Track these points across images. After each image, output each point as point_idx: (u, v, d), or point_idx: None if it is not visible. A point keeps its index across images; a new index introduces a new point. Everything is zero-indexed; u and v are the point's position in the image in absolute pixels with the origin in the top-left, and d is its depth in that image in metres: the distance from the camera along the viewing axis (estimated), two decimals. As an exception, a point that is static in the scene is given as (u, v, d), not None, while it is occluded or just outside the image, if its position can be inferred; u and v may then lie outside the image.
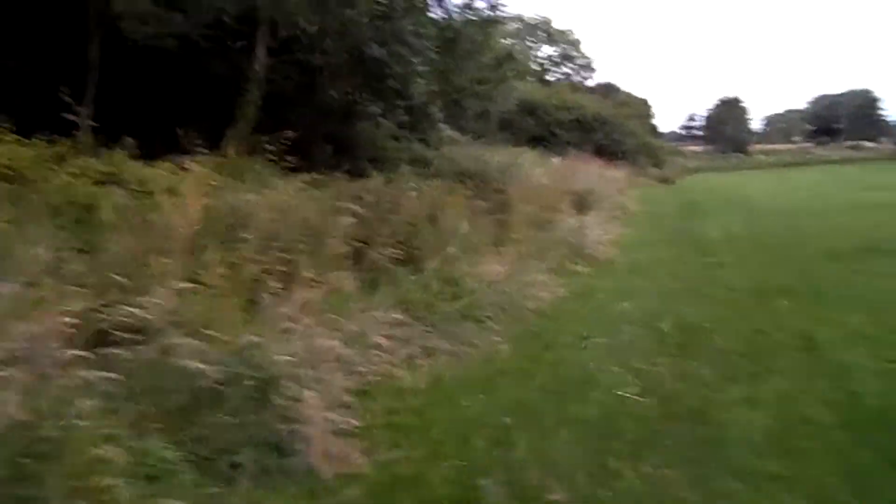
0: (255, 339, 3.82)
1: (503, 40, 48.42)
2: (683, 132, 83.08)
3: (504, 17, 14.64)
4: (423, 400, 4.41)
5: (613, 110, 32.07)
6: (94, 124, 8.41)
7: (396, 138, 16.95)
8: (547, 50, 53.70)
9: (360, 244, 7.57)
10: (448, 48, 11.90)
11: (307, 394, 3.57)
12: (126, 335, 3.69)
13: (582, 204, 14.94)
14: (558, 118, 28.26)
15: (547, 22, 53.19)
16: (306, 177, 10.29)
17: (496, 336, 5.83)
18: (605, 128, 29.05)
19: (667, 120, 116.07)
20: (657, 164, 36.32)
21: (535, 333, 6.14)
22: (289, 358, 3.72)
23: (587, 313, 7.03)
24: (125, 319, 3.86)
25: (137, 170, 7.78)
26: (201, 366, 3.50)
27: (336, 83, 10.53)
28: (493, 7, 13.94)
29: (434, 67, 11.75)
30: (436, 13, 12.35)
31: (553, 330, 6.31)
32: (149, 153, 9.12)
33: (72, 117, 7.88)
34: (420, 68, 10.16)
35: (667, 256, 11.15)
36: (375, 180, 10.05)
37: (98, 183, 7.33)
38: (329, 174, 10.81)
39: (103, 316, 3.72)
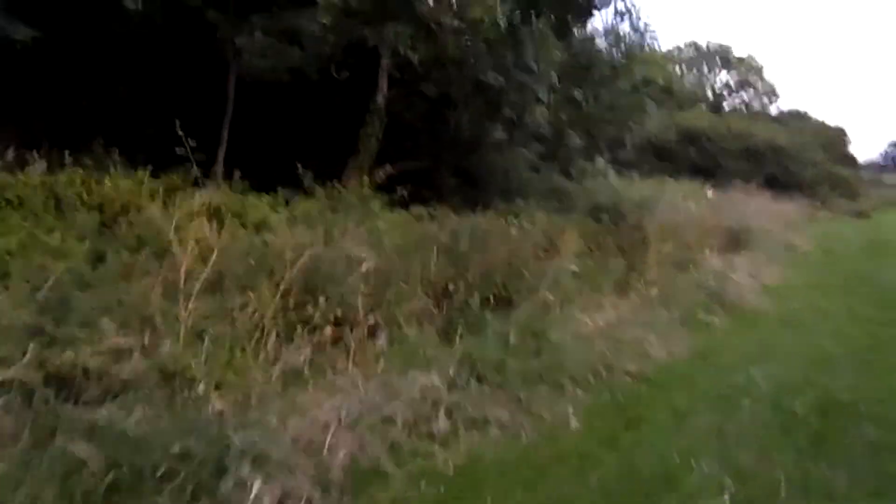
0: (220, 406, 3.20)
1: (675, 68, 46.17)
2: (886, 161, 73.70)
3: (652, 42, 13.33)
4: (441, 491, 3.55)
5: (791, 138, 28.77)
6: (200, 156, 8.38)
7: (536, 169, 16.18)
8: (725, 77, 50.44)
9: (448, 285, 6.89)
10: (580, 75, 10.95)
11: (259, 486, 2.88)
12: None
13: (735, 242, 13.15)
14: (725, 147, 25.83)
15: (725, 48, 49.98)
16: (421, 210, 9.86)
17: (572, 406, 4.79)
18: (778, 157, 26.09)
19: (866, 149, 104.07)
20: (850, 196, 32.09)
21: (622, 405, 4.99)
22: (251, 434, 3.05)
23: (701, 380, 5.73)
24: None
25: (238, 203, 7.64)
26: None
27: (459, 113, 9.94)
28: (640, 33, 12.84)
29: (564, 95, 10.85)
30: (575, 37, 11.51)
31: (648, 401, 5.13)
32: (266, 185, 9.09)
33: (183, 151, 7.91)
34: (543, 96, 9.30)
35: (833, 308, 9.28)
36: (484, 214, 9.33)
37: (194, 215, 7.28)
38: (452, 207, 10.27)
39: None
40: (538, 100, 9.29)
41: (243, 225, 7.14)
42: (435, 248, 7.10)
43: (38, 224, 5.85)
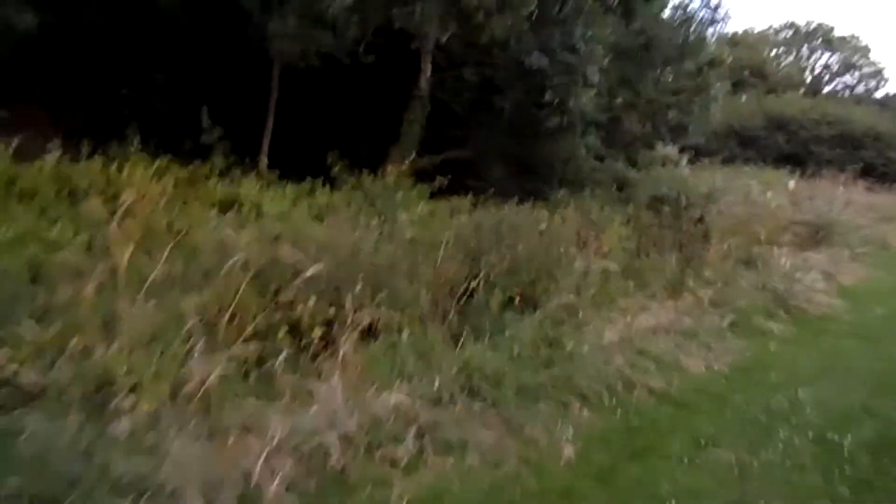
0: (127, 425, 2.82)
1: (770, 50, 43.19)
2: None
3: (725, 19, 12.19)
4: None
5: (894, 124, 26.18)
6: (225, 144, 8.15)
7: (601, 157, 15.26)
8: (826, 59, 46.83)
9: (469, 282, 6.34)
10: (640, 56, 10.06)
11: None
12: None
13: (815, 237, 11.88)
14: (817, 134, 23.77)
15: (827, 28, 46.33)
16: (461, 200, 9.33)
17: (572, 428, 4.16)
18: (878, 145, 23.77)
19: None
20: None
21: (634, 430, 4.30)
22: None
23: (737, 401, 4.93)
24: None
25: (258, 195, 7.34)
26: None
27: (503, 98, 9.32)
28: (711, 10, 11.74)
29: (621, 77, 10.01)
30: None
31: (665, 426, 4.42)
32: (309, 172, 8.79)
33: (207, 140, 7.71)
34: (592, 78, 8.53)
35: (922, 319, 8.12)
36: (532, 205, 8.72)
37: (217, 205, 7.06)
38: (500, 197, 9.70)
39: None
40: (586, 83, 8.53)
41: (259, 216, 6.85)
42: (457, 242, 6.58)
43: (42, 215, 5.73)
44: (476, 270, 6.42)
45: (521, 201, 9.79)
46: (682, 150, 17.90)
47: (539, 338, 5.32)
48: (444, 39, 9.01)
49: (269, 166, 9.75)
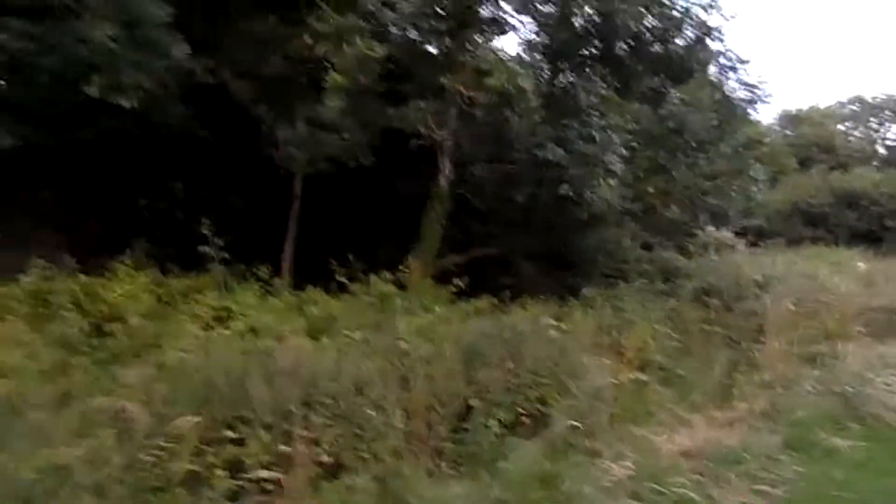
0: None
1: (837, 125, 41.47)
2: None
3: (765, 98, 11.39)
4: None
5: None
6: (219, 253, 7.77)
7: (648, 246, 14.32)
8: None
9: (468, 401, 5.54)
10: (669, 141, 9.36)
11: None
12: None
13: (891, 325, 10.43)
14: (893, 209, 22.02)
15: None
16: (482, 302, 8.62)
17: None
18: (966, 219, 21.78)
19: None
20: None
21: None
22: None
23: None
24: None
25: (252, 307, 6.85)
26: None
27: (522, 191, 8.76)
28: (751, 88, 10.98)
29: (650, 163, 9.29)
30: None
31: None
32: (323, 280, 8.33)
33: (207, 249, 7.37)
34: (615, 166, 7.85)
35: None
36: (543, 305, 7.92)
37: (208, 320, 6.61)
38: (532, 295, 8.96)
39: None
40: (608, 173, 7.85)
41: (253, 330, 6.33)
42: (460, 352, 5.84)
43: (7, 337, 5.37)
44: (477, 386, 5.65)
45: (558, 299, 9.03)
46: (738, 234, 16.78)
47: (531, 474, 4.41)
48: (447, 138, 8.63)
49: (295, 273, 9.38)
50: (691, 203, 9.23)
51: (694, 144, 9.39)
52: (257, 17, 8.49)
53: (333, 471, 4.35)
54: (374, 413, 4.50)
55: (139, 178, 9.05)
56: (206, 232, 7.29)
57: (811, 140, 38.87)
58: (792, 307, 9.90)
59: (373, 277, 7.69)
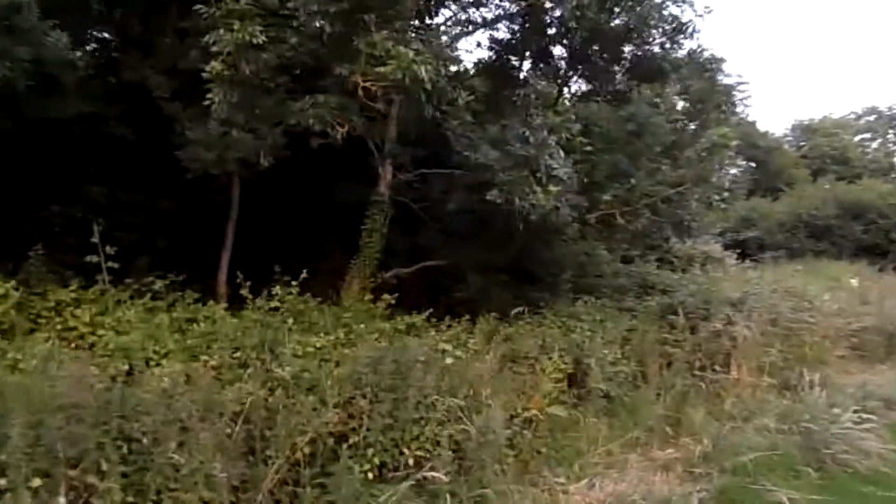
0: None
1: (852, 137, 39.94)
2: None
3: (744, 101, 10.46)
4: None
5: None
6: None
7: (629, 259, 13.36)
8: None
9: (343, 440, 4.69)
10: (629, 145, 8.45)
11: None
12: None
13: (884, 349, 9.38)
14: (902, 222, 20.75)
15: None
16: (417, 319, 7.74)
17: None
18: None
19: None
20: None
21: None
22: None
23: None
24: None
25: (130, 322, 6.07)
26: None
27: (450, 198, 7.93)
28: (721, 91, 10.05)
29: (610, 169, 8.39)
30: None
31: None
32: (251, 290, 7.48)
33: (96, 258, 6.58)
34: (558, 171, 6.96)
35: None
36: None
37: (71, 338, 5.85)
38: (485, 311, 8.09)
39: None
40: (551, 177, 6.96)
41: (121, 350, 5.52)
42: (344, 384, 4.99)
43: None
44: (357, 422, 4.81)
45: (513, 316, 8.16)
46: (728, 247, 15.73)
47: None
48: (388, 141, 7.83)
49: (232, 283, 8.60)
50: (653, 213, 8.29)
51: (658, 149, 8.46)
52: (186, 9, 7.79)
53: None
54: (181, 458, 3.63)
55: (51, 182, 8.32)
56: (94, 240, 6.50)
57: (824, 151, 37.58)
58: (770, 328, 8.90)
59: (281, 290, 6.81)
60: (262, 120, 6.24)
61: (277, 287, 6.54)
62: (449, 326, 7.31)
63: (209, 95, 5.69)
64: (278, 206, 9.96)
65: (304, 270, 6.45)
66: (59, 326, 5.81)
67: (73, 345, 5.62)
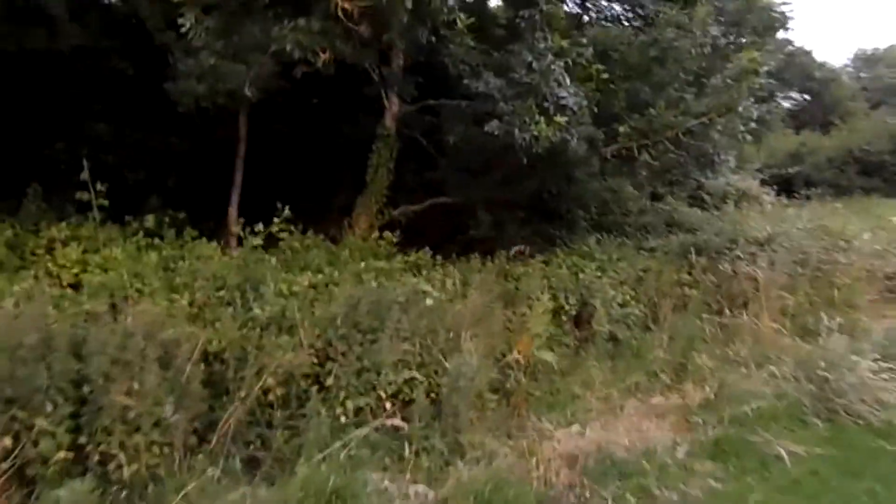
0: None
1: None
2: None
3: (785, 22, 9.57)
4: None
5: None
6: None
7: (657, 196, 12.74)
8: None
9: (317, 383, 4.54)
10: (652, 72, 7.82)
11: None
12: None
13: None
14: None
15: None
16: (421, 257, 7.50)
17: None
18: None
19: None
20: None
21: None
22: None
23: None
24: None
25: (118, 260, 5.96)
26: None
27: (452, 130, 7.52)
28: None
29: (629, 99, 7.80)
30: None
31: None
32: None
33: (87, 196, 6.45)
34: (567, 101, 6.45)
35: None
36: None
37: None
38: (495, 250, 7.81)
39: None
40: (560, 107, 6.46)
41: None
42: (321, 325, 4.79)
43: None
44: (336, 363, 4.63)
45: (515, 253, 7.84)
46: (765, 182, 14.85)
47: (320, 489, 3.37)
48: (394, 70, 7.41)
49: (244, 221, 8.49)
50: (676, 146, 7.70)
51: (683, 76, 7.78)
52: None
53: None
54: (131, 401, 3.50)
55: (56, 119, 8.20)
56: (84, 178, 6.36)
57: (886, 83, 35.14)
58: (799, 269, 8.35)
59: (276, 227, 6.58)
60: (245, 48, 5.87)
61: (273, 225, 6.28)
62: (449, 265, 7.05)
63: (180, 20, 5.36)
64: (289, 142, 9.72)
65: (311, 207, 6.22)
66: (49, 264, 5.76)
67: (64, 283, 5.60)
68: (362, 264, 6.52)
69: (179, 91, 6.88)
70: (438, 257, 7.45)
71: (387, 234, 7.62)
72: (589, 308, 6.83)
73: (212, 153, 9.24)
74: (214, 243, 6.61)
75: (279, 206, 6.53)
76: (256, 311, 4.90)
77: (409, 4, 4.73)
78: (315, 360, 4.58)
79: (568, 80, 6.31)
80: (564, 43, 6.17)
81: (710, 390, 5.49)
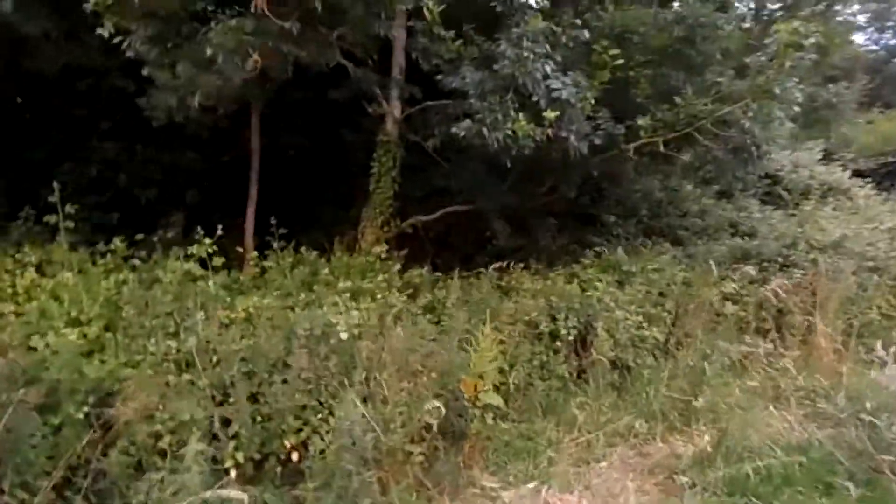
0: None
1: None
2: None
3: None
4: None
5: None
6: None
7: (727, 194, 11.28)
8: None
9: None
10: (677, 55, 6.68)
11: None
12: None
13: None
14: None
15: None
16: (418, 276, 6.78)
17: None
18: None
19: None
20: None
21: None
22: None
23: None
24: None
25: (66, 286, 5.62)
26: None
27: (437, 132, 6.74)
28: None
29: (653, 86, 6.70)
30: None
31: None
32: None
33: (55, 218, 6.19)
34: (560, 92, 5.51)
35: None
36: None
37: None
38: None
39: None
40: (553, 100, 5.51)
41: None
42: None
43: None
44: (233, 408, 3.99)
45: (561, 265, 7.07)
46: (859, 174, 12.74)
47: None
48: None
49: (260, 236, 8.11)
50: (713, 137, 6.44)
51: (719, 57, 6.57)
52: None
53: None
54: None
55: (63, 140, 8.15)
56: (53, 200, 6.10)
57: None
58: (875, 279, 6.88)
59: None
60: (182, 56, 5.37)
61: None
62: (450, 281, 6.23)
63: (100, 30, 4.93)
64: (305, 153, 9.28)
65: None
66: (9, 290, 5.52)
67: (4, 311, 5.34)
68: (340, 284, 5.89)
69: (152, 105, 6.53)
70: (447, 272, 6.66)
71: (379, 247, 6.96)
72: (594, 331, 5.81)
73: (225, 167, 8.97)
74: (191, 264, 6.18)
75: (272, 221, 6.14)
76: (171, 343, 4.36)
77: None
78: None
79: (550, 67, 5.34)
80: (541, 24, 5.21)
81: (708, 439, 4.37)
